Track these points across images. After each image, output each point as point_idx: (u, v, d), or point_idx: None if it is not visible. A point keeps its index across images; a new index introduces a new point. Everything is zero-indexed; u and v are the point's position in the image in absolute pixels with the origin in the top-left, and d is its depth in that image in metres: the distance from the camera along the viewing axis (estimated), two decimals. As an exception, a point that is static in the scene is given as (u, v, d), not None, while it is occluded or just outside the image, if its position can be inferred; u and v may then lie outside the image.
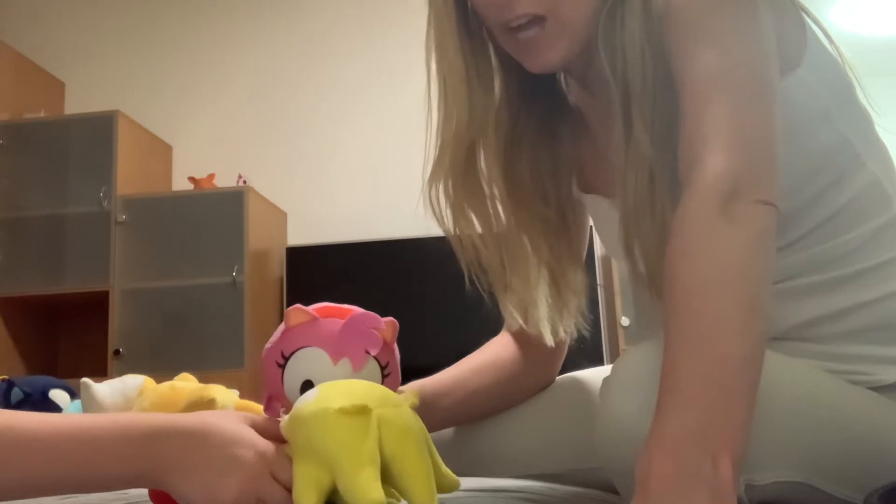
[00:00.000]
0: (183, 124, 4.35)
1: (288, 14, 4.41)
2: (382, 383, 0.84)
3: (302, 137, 4.29)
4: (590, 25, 0.94)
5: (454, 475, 0.79)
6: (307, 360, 0.82)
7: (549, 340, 1.09)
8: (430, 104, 1.03)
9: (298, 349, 0.83)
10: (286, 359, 0.83)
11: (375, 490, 0.69)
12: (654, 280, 0.91)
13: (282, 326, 0.85)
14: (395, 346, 0.86)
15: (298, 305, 0.84)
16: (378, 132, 4.19)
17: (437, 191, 1.04)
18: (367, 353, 0.82)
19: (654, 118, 0.89)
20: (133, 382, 1.23)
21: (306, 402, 0.74)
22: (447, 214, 1.05)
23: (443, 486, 0.77)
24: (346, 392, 0.75)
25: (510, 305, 1.08)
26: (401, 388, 0.89)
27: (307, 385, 0.82)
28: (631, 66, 0.90)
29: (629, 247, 0.92)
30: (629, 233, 0.92)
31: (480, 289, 1.07)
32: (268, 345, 0.85)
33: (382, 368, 0.84)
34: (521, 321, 1.08)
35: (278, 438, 0.76)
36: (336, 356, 0.82)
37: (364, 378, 0.82)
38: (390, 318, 0.85)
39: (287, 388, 0.83)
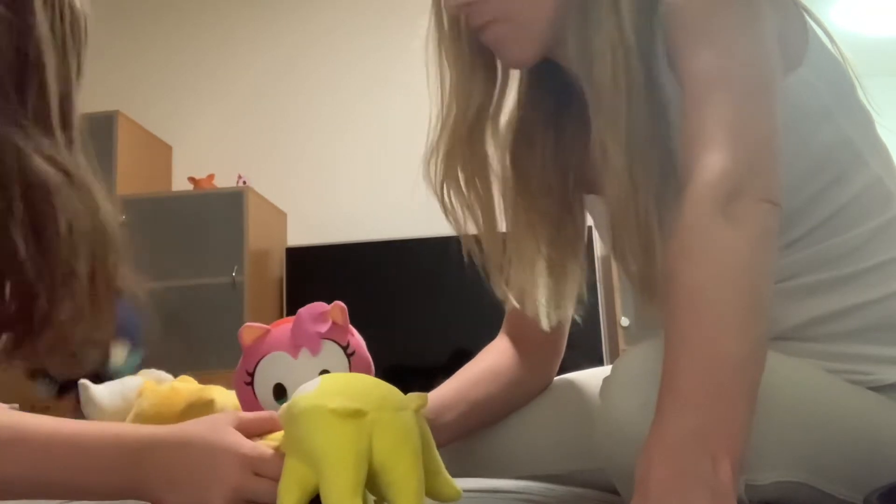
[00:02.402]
0: (183, 124, 4.35)
1: (288, 15, 4.41)
2: (350, 364, 0.84)
3: (302, 137, 4.29)
4: (554, 23, 0.94)
5: (455, 485, 0.78)
6: (270, 366, 0.84)
7: (545, 324, 1.09)
8: (431, 90, 1.04)
9: (259, 360, 0.84)
10: (251, 374, 0.84)
11: (351, 502, 0.67)
12: (644, 282, 0.91)
13: (243, 352, 0.86)
14: (353, 328, 0.87)
15: (248, 323, 0.86)
16: (378, 132, 4.19)
17: (436, 170, 1.04)
18: (321, 336, 0.83)
19: (630, 121, 0.88)
20: (132, 384, 1.23)
21: (304, 395, 0.73)
22: (449, 197, 1.05)
23: (441, 495, 0.76)
24: (345, 389, 0.73)
25: (506, 289, 1.08)
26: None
27: (279, 388, 0.83)
28: (601, 68, 0.89)
29: (619, 249, 0.93)
30: (617, 235, 0.92)
31: (483, 274, 1.07)
32: (235, 373, 0.87)
33: (344, 349, 0.84)
34: (515, 303, 1.08)
35: (269, 431, 0.76)
36: (294, 351, 0.83)
37: (327, 359, 0.82)
38: (336, 302, 0.86)
39: (262, 402, 0.84)
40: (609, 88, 0.89)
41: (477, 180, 1.05)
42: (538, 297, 1.08)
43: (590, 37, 0.90)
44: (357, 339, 0.87)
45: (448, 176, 1.04)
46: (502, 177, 1.06)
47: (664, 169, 0.89)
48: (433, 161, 1.04)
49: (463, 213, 1.05)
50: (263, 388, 0.84)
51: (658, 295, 0.89)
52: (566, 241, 1.10)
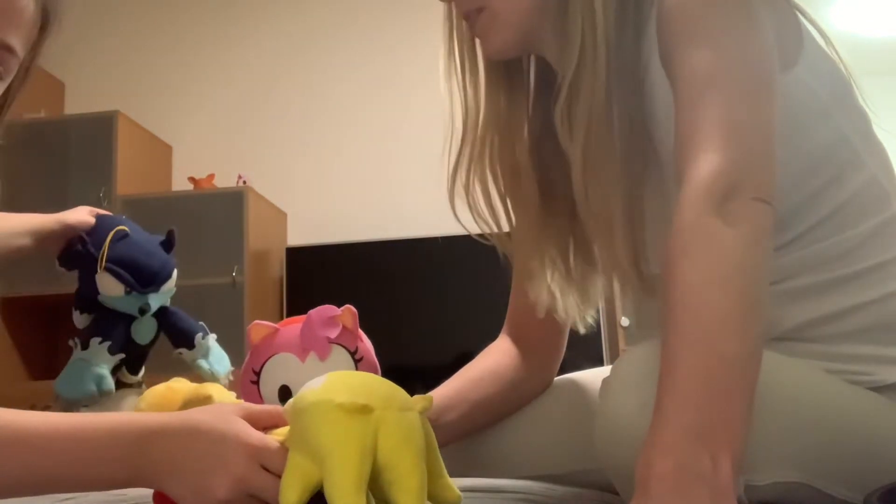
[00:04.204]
0: (183, 124, 4.35)
1: (288, 14, 4.41)
2: (357, 369, 0.84)
3: (302, 137, 4.29)
4: (532, 15, 0.97)
5: (456, 490, 0.77)
6: (277, 367, 0.83)
7: (582, 329, 1.13)
8: (451, 99, 1.06)
9: (266, 360, 0.84)
10: (258, 373, 0.84)
11: (356, 501, 0.67)
12: (610, 265, 0.95)
13: (250, 349, 0.86)
14: (362, 332, 0.87)
15: (257, 321, 0.85)
16: (378, 132, 4.19)
17: (466, 182, 1.06)
18: (330, 341, 0.83)
19: (591, 106, 0.91)
20: (130, 406, 1.22)
21: (311, 389, 0.73)
22: (477, 203, 1.06)
23: (441, 499, 0.76)
24: (352, 386, 0.73)
25: (537, 292, 1.09)
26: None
27: (284, 390, 0.83)
28: (569, 54, 0.92)
29: (595, 234, 0.96)
30: (584, 218, 0.97)
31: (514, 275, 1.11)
32: (241, 371, 0.86)
33: (352, 354, 0.84)
34: (546, 305, 1.09)
35: (276, 425, 0.76)
36: (302, 354, 0.82)
37: (335, 363, 0.82)
38: (347, 306, 0.86)
39: (267, 402, 0.84)
40: (574, 72, 0.92)
41: (505, 188, 1.06)
42: (567, 301, 1.09)
43: (566, 25, 0.93)
44: (366, 345, 0.87)
45: (480, 183, 1.06)
46: (527, 180, 1.07)
47: (629, 156, 0.91)
48: (461, 171, 1.05)
49: (494, 220, 1.07)
50: (269, 389, 0.84)
51: (630, 279, 0.93)
52: (583, 246, 1.10)
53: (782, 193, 0.81)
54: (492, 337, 1.22)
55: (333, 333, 0.83)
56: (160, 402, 0.87)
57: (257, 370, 0.85)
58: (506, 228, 1.08)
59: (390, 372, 0.89)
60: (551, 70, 1.04)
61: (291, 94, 4.33)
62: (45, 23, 0.87)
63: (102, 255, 1.42)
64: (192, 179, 4.02)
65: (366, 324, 0.89)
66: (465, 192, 1.06)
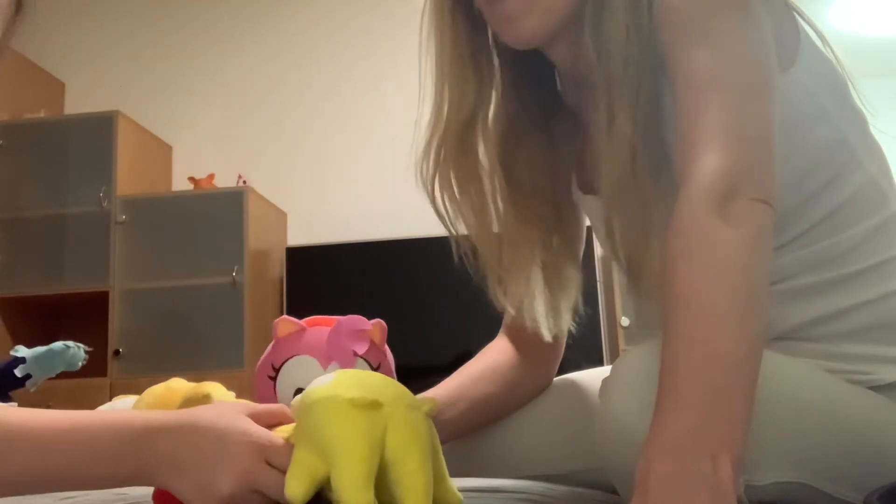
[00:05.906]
0: (183, 124, 4.35)
1: (288, 14, 4.41)
2: None
3: (302, 137, 4.29)
4: (567, 4, 0.94)
5: (458, 494, 0.77)
6: (297, 369, 0.83)
7: (547, 335, 1.09)
8: (424, 86, 1.03)
9: (288, 359, 0.83)
10: (277, 370, 0.84)
11: (365, 494, 0.67)
12: (631, 266, 0.91)
13: (273, 342, 0.85)
14: (387, 348, 0.86)
15: (286, 316, 0.85)
16: (378, 132, 4.19)
17: (429, 174, 1.03)
18: (356, 354, 0.82)
19: (637, 102, 0.89)
20: (123, 409, 1.22)
21: (319, 386, 0.73)
22: (442, 200, 1.04)
23: (443, 502, 0.76)
24: (361, 382, 0.73)
25: (503, 298, 1.07)
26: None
27: (300, 393, 0.83)
28: (614, 49, 0.90)
29: (609, 231, 0.93)
30: (610, 217, 0.93)
31: (476, 279, 1.06)
32: (259, 361, 0.86)
33: (374, 370, 0.84)
34: (513, 313, 1.08)
35: (279, 423, 0.75)
36: (325, 361, 0.82)
37: None
38: (377, 320, 0.85)
39: (280, 399, 0.83)
40: (620, 69, 0.90)
41: (470, 184, 1.04)
42: (536, 308, 1.08)
43: (607, 18, 0.91)
44: (388, 362, 0.86)
45: (441, 179, 1.03)
46: (495, 181, 1.06)
47: (661, 152, 0.89)
48: (425, 164, 1.03)
49: (457, 217, 1.05)
50: (285, 388, 0.83)
51: (646, 279, 0.90)
52: (561, 246, 1.09)
53: (781, 194, 0.81)
54: (491, 337, 1.22)
55: (361, 349, 0.83)
56: (159, 402, 0.87)
57: (277, 366, 0.84)
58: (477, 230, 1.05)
59: (390, 372, 0.89)
60: (544, 64, 1.03)
61: (292, 94, 4.33)
62: (20, 2, 0.86)
63: None
64: (192, 179, 4.02)
65: (365, 324, 0.88)
66: (433, 195, 1.04)
